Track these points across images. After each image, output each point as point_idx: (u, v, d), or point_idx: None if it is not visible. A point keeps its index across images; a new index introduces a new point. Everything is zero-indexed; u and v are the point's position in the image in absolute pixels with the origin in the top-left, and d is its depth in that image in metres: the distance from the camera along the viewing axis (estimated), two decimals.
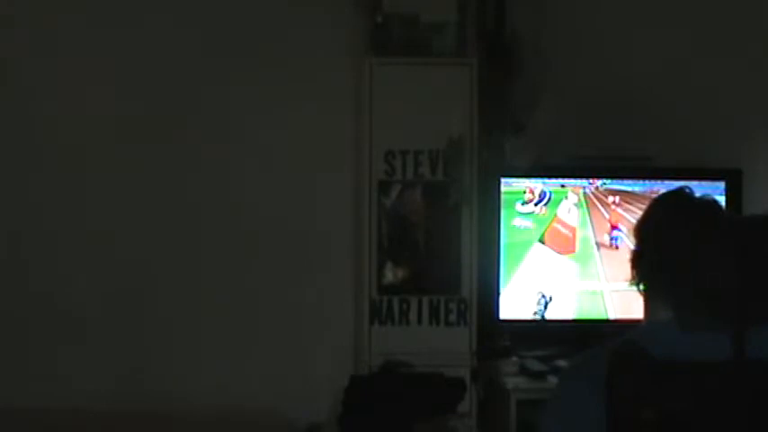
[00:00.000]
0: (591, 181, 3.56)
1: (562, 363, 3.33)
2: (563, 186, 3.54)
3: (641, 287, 1.96)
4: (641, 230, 1.98)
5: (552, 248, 3.53)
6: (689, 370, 1.82)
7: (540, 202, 3.53)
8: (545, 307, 3.51)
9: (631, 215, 3.52)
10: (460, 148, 3.45)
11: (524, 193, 3.53)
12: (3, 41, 3.58)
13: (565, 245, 3.54)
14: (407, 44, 3.47)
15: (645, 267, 1.94)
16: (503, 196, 3.50)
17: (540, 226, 3.53)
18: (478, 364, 3.45)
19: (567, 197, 3.53)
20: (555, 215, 3.53)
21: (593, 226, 3.56)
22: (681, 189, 2.00)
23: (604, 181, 3.55)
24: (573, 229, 3.55)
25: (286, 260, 3.63)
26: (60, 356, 3.57)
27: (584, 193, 3.55)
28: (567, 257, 3.54)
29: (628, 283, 1.98)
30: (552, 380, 3.26)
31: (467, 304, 3.46)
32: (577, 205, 3.54)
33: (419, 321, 3.47)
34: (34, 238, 3.60)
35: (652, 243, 1.94)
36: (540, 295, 3.51)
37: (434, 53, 3.47)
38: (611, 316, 3.54)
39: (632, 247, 2.00)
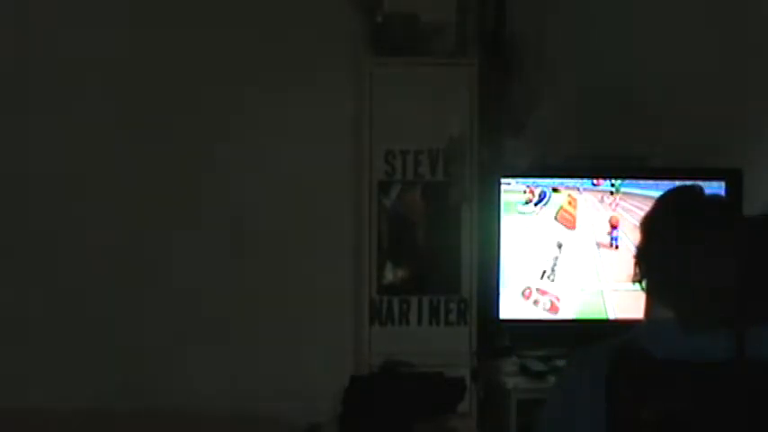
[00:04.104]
0: (595, 182, 3.56)
1: (562, 363, 3.33)
2: (555, 190, 3.53)
3: (643, 285, 1.95)
4: (646, 227, 1.98)
5: (562, 224, 3.54)
6: (689, 370, 1.82)
7: (539, 202, 3.53)
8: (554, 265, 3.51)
9: (631, 215, 3.52)
10: (461, 148, 3.45)
11: (524, 192, 3.53)
12: (3, 41, 3.59)
13: (570, 223, 3.55)
14: (407, 44, 3.47)
15: (647, 265, 1.94)
16: (503, 196, 3.51)
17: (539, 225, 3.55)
18: (478, 364, 3.45)
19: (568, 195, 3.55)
20: (560, 207, 3.53)
21: (592, 225, 3.56)
22: (689, 187, 1.99)
23: (613, 182, 3.55)
24: (574, 217, 3.55)
25: (286, 260, 3.63)
26: (60, 356, 3.57)
27: (584, 190, 3.56)
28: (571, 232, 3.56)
29: (631, 280, 1.97)
30: (552, 380, 3.26)
31: (467, 304, 3.46)
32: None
33: (419, 321, 3.47)
34: (34, 238, 3.60)
35: (655, 241, 1.94)
36: (557, 243, 3.50)
37: (434, 53, 3.47)
38: (611, 316, 3.54)
39: (635, 244, 1.99)
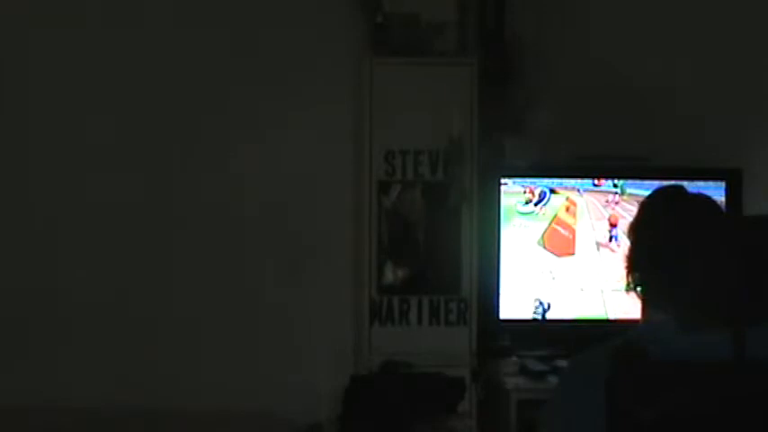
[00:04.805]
0: (596, 182, 3.55)
1: (562, 363, 3.33)
2: (553, 192, 3.53)
3: (638, 289, 1.95)
4: (637, 231, 1.97)
5: (552, 252, 3.52)
6: (689, 370, 1.82)
7: (539, 202, 3.53)
8: (543, 313, 3.51)
9: (631, 215, 3.51)
10: (460, 148, 3.45)
11: (524, 193, 3.52)
12: (6, 43, 3.59)
13: (564, 247, 3.54)
14: (407, 44, 3.47)
15: (641, 268, 1.93)
16: (503, 196, 3.50)
17: (539, 227, 3.54)
18: (478, 364, 3.45)
19: (566, 198, 3.54)
20: (555, 216, 3.53)
21: (593, 225, 3.55)
22: (672, 187, 1.99)
23: (616, 182, 3.54)
24: (573, 231, 3.54)
25: (286, 260, 3.63)
26: (60, 356, 3.57)
27: (584, 192, 3.55)
28: (566, 259, 3.53)
29: (624, 287, 1.97)
30: (552, 380, 3.26)
31: (467, 304, 3.46)
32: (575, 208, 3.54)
33: (419, 321, 3.47)
34: (35, 238, 3.60)
35: (649, 243, 1.93)
36: (538, 302, 3.50)
37: (434, 53, 3.48)
38: (611, 316, 3.54)
39: (625, 252, 1.99)
